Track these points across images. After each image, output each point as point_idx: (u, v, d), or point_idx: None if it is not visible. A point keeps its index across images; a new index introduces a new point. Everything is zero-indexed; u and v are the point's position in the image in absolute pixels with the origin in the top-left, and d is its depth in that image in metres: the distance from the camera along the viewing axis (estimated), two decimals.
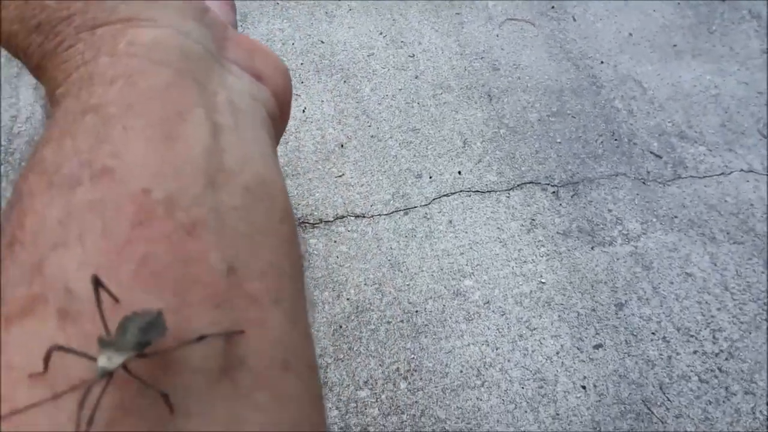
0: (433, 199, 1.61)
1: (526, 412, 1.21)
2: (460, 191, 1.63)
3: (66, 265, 0.19)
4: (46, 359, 0.17)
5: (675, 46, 2.11)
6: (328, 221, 1.54)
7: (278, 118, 0.27)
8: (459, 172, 1.68)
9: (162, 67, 0.23)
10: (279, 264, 0.22)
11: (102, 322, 0.18)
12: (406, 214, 1.57)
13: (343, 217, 1.55)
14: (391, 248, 1.49)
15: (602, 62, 2.04)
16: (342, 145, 1.74)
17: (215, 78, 0.25)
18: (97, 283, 0.18)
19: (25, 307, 0.18)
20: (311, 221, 1.53)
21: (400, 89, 1.91)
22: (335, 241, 1.49)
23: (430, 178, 1.66)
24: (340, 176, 1.65)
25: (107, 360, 0.17)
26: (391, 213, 1.57)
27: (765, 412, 1.22)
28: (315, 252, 1.47)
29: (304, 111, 1.82)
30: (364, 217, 1.56)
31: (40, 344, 0.17)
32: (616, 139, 1.79)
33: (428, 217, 1.56)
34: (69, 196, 0.20)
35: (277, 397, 0.19)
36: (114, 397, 0.17)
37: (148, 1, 0.25)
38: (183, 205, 0.20)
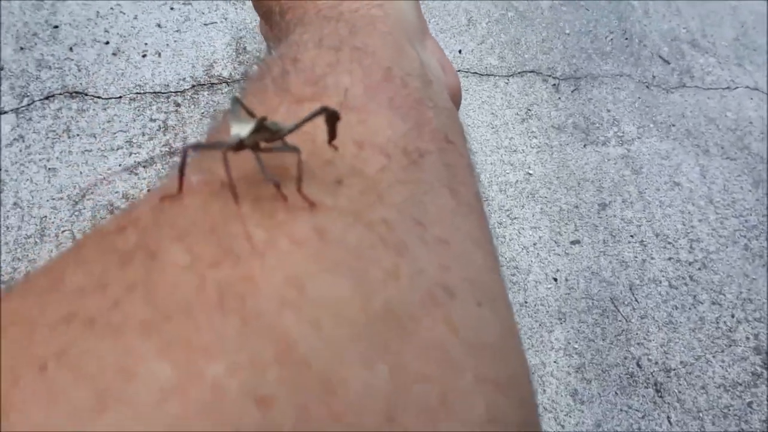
0: None
1: None
2: (459, 71, 1.55)
3: (340, 82, 0.26)
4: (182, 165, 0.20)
5: None
6: None
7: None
8: (459, 51, 1.60)
9: (384, 9, 0.31)
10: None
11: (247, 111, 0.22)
12: None
13: None
14: None
15: None
16: None
17: (418, 46, 0.32)
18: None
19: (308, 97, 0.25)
20: None
21: None
22: None
23: None
24: None
25: (239, 130, 0.20)
26: None
27: (728, 324, 1.24)
28: None
29: None
30: None
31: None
32: (626, 38, 1.71)
33: None
34: (334, 52, 0.27)
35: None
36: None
37: None
38: (411, 84, 0.28)
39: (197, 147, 0.20)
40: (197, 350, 0.14)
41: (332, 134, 0.22)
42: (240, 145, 0.20)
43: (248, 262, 0.17)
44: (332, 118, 0.21)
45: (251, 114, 0.22)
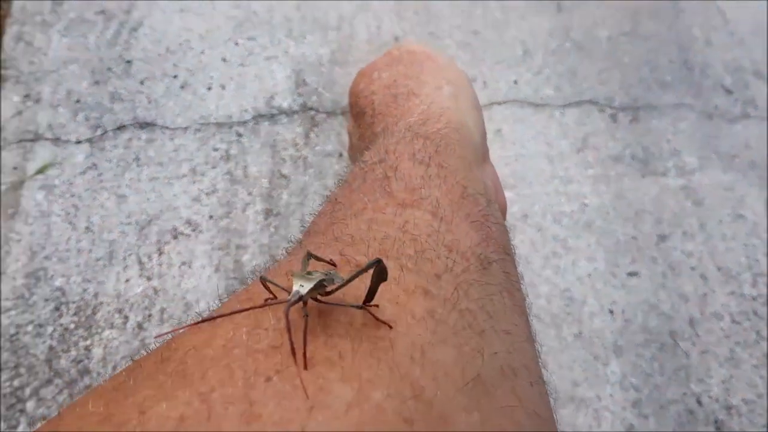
0: (484, 106, 1.55)
1: (548, 326, 1.20)
2: (514, 101, 1.56)
3: (432, 195, 0.32)
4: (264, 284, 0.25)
5: None
6: None
7: None
8: (515, 82, 1.61)
9: (460, 132, 0.36)
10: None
11: (303, 267, 0.25)
12: None
13: None
14: None
15: None
16: (397, 39, 1.67)
17: (480, 167, 0.37)
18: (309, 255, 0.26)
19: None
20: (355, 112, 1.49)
21: None
22: None
23: (485, 83, 1.60)
24: None
25: (300, 287, 0.22)
26: None
27: None
28: None
29: None
30: None
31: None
32: (687, 68, 1.68)
33: None
34: (425, 168, 0.32)
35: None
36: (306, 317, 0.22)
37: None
38: (480, 202, 0.33)
39: (268, 281, 0.25)
40: (365, 381, 0.20)
41: (371, 293, 0.24)
42: (300, 300, 0.23)
43: (385, 328, 0.23)
44: (380, 274, 0.24)
45: (324, 261, 0.27)
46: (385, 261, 0.24)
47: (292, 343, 0.20)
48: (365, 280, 0.25)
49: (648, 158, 1.48)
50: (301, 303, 0.23)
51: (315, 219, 0.37)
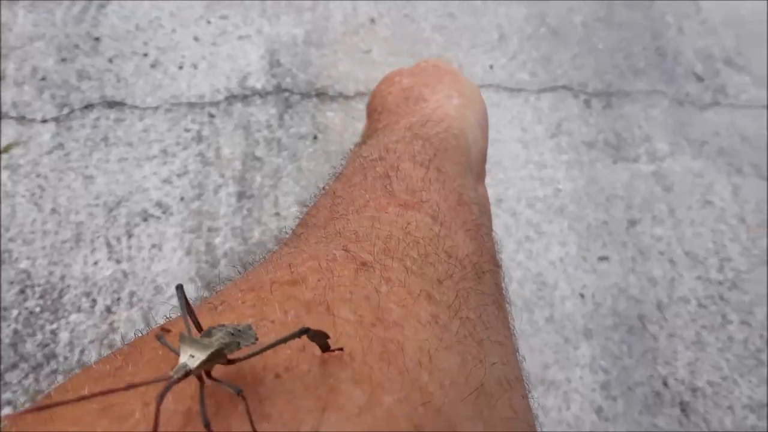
0: None
1: (521, 310, 1.21)
2: (489, 85, 1.56)
3: (432, 199, 0.34)
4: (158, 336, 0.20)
5: None
6: (348, 96, 1.48)
7: None
8: (491, 66, 1.60)
9: (457, 139, 0.38)
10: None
11: (193, 322, 0.20)
12: None
13: (364, 93, 1.50)
14: None
15: None
16: (373, 20, 1.65)
17: (473, 180, 0.39)
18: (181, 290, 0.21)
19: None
20: (330, 94, 1.48)
21: None
22: (353, 117, 1.44)
23: (460, 66, 1.59)
24: (367, 52, 1.58)
25: (188, 357, 0.18)
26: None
27: (757, 344, 1.21)
28: (331, 126, 1.43)
29: None
30: None
31: None
32: (660, 55, 1.70)
33: None
34: (425, 170, 0.34)
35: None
36: (189, 398, 0.18)
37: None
38: (475, 211, 0.36)
39: (163, 334, 0.20)
40: (376, 385, 0.20)
41: (324, 348, 0.21)
42: (186, 375, 0.18)
43: (395, 331, 0.22)
44: (319, 338, 0.20)
45: (197, 325, 0.21)
46: (313, 329, 0.20)
47: None
48: (293, 345, 0.21)
49: (620, 144, 1.49)
50: (193, 378, 0.18)
51: (311, 211, 0.36)
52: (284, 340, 0.20)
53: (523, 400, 0.27)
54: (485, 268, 0.32)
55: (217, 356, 0.18)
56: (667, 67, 1.68)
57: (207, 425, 0.17)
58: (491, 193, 1.36)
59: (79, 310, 1.12)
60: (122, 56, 1.44)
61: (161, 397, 0.16)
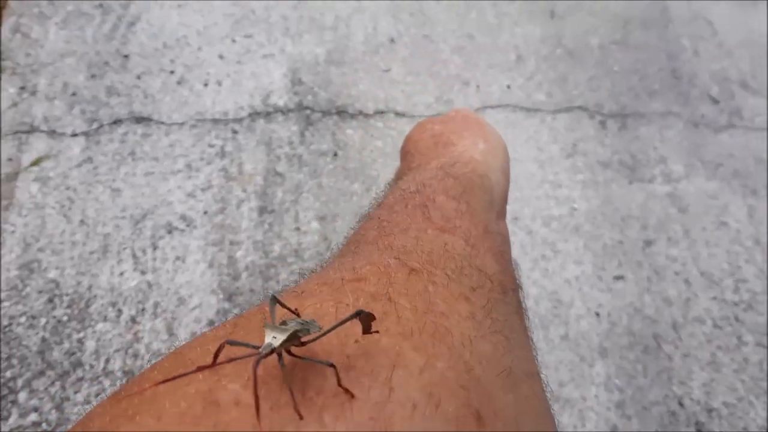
0: (477, 109, 1.57)
1: (536, 328, 1.23)
2: (506, 105, 1.59)
3: (463, 226, 0.39)
4: (217, 353, 0.23)
5: None
6: (368, 114, 1.52)
7: None
8: (508, 86, 1.63)
9: (482, 179, 0.44)
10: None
11: (271, 315, 0.26)
12: None
13: (383, 112, 1.53)
14: None
15: None
16: (393, 40, 1.69)
17: (495, 217, 0.44)
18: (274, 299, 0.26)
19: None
20: (351, 112, 1.51)
21: None
22: (372, 135, 1.48)
23: (478, 87, 1.62)
24: (386, 71, 1.61)
25: (272, 338, 0.23)
26: (433, 116, 1.54)
27: None
28: (350, 143, 1.46)
29: None
30: (404, 115, 1.53)
31: None
32: (675, 78, 1.72)
33: None
34: (456, 203, 0.41)
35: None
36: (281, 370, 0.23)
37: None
38: (497, 239, 0.41)
39: (235, 343, 0.24)
40: (431, 354, 0.25)
41: (366, 330, 0.25)
42: (272, 352, 0.23)
43: (442, 318, 0.28)
44: (367, 319, 0.25)
45: (290, 311, 0.27)
46: (366, 310, 0.25)
47: (257, 399, 0.20)
48: (348, 329, 0.25)
49: (635, 165, 1.51)
50: (276, 356, 0.23)
51: (360, 231, 0.42)
52: (343, 322, 0.24)
53: (542, 391, 0.31)
54: (509, 286, 0.37)
55: (293, 338, 0.23)
56: (683, 89, 1.70)
57: (292, 393, 0.22)
58: (507, 211, 1.39)
59: (105, 319, 1.15)
60: (150, 73, 1.48)
61: (255, 367, 0.21)
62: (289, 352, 0.24)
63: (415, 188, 0.42)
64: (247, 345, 0.24)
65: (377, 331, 0.25)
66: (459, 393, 0.24)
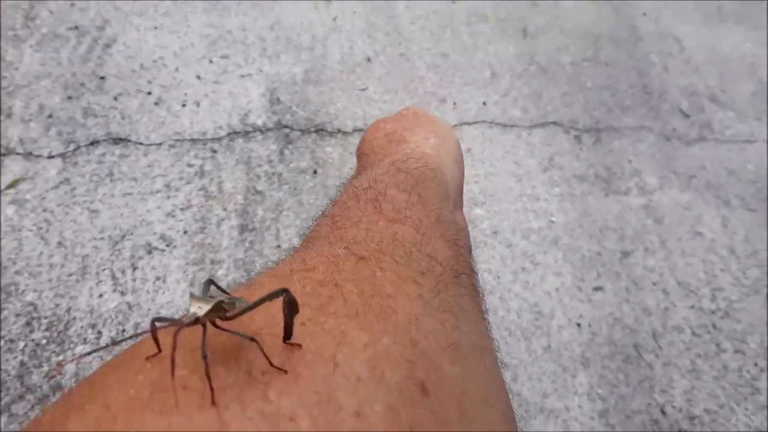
0: (454, 126, 1.59)
1: (519, 340, 1.23)
2: (483, 122, 1.61)
3: (414, 216, 0.40)
4: (154, 336, 0.24)
5: (720, 9, 2.05)
6: (346, 132, 1.53)
7: None
8: (484, 103, 1.66)
9: (435, 172, 0.46)
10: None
11: (203, 294, 0.26)
12: None
13: (361, 129, 1.54)
14: None
15: (644, 14, 1.98)
16: (369, 59, 1.70)
17: (451, 208, 0.46)
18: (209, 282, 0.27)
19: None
20: (329, 130, 1.52)
21: (434, 11, 1.87)
22: (351, 153, 1.48)
23: (454, 104, 1.64)
24: (363, 89, 1.63)
25: (197, 308, 0.23)
26: None
27: (752, 372, 1.24)
28: (330, 161, 1.47)
29: (334, 19, 1.78)
30: None
31: None
32: (646, 93, 1.76)
33: None
34: (407, 195, 0.42)
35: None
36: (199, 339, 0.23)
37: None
38: (450, 229, 0.42)
39: (162, 320, 0.24)
40: (376, 331, 0.26)
41: (288, 329, 0.25)
42: (196, 322, 0.23)
43: (388, 300, 0.29)
44: (291, 306, 0.25)
45: (224, 292, 0.27)
46: (292, 292, 0.25)
47: (173, 363, 0.21)
48: (297, 316, 0.26)
49: (611, 178, 1.54)
50: (201, 327, 0.23)
51: (313, 229, 0.43)
52: (269, 298, 0.25)
53: (494, 365, 0.33)
54: (461, 271, 0.38)
55: (218, 309, 0.24)
56: (654, 104, 1.74)
57: (205, 357, 0.21)
58: (487, 225, 1.40)
59: (84, 341, 1.13)
60: (127, 94, 1.47)
61: (176, 333, 0.22)
62: (214, 324, 0.24)
63: (368, 184, 0.44)
64: (173, 319, 0.24)
65: (299, 345, 0.25)
66: (403, 365, 0.25)
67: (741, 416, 1.19)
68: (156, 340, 0.24)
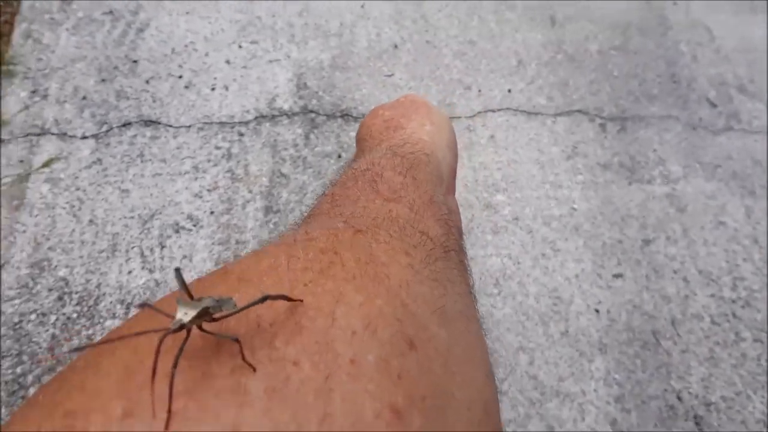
0: (479, 113, 1.60)
1: (536, 324, 1.25)
2: (507, 109, 1.62)
3: (408, 196, 0.43)
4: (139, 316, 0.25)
5: None
6: None
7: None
8: (509, 90, 1.66)
9: (429, 157, 0.49)
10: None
11: (185, 290, 0.26)
12: None
13: None
14: None
15: (675, 3, 1.96)
16: (396, 46, 1.72)
17: (443, 191, 0.48)
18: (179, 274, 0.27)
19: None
20: (354, 115, 1.54)
21: None
22: None
23: (479, 91, 1.65)
24: (389, 76, 1.64)
25: (183, 314, 0.23)
26: None
27: None
28: (354, 145, 1.48)
29: (362, 6, 1.80)
30: None
31: None
32: (674, 82, 1.75)
33: (471, 129, 1.56)
34: (402, 177, 0.44)
35: None
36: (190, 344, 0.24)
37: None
38: (443, 208, 0.44)
39: (148, 305, 0.25)
40: (370, 293, 0.29)
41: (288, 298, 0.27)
42: (181, 328, 0.23)
43: (382, 267, 0.31)
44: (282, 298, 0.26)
45: (188, 292, 0.26)
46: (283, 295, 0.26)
47: (154, 370, 0.21)
48: (296, 278, 0.28)
49: (635, 166, 1.53)
50: (184, 331, 0.23)
51: (315, 208, 0.46)
52: (253, 304, 0.26)
53: (478, 331, 0.36)
54: (451, 248, 0.41)
55: (205, 314, 0.24)
56: (681, 93, 1.72)
57: (175, 366, 0.22)
58: (508, 211, 1.41)
59: (114, 316, 1.17)
60: (158, 78, 1.51)
61: (160, 342, 0.22)
62: (200, 328, 0.24)
63: (366, 166, 0.47)
64: (163, 313, 0.24)
65: (301, 300, 0.27)
66: (394, 323, 0.28)
67: (758, 404, 1.19)
68: (138, 333, 0.24)
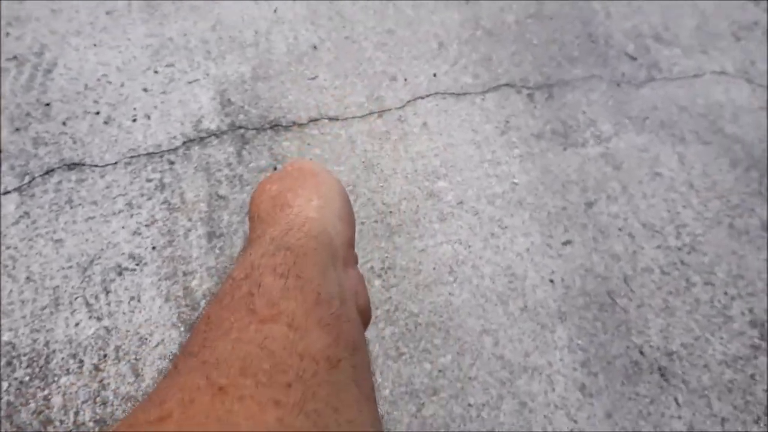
0: (408, 102, 1.60)
1: (496, 305, 1.26)
2: (435, 93, 1.62)
3: (289, 307, 0.40)
4: None
5: None
6: (302, 124, 1.53)
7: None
8: (434, 75, 1.66)
9: (318, 239, 0.46)
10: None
11: None
12: (380, 116, 1.56)
13: (316, 119, 1.54)
14: (365, 150, 1.49)
15: None
16: (315, 47, 1.70)
17: (341, 270, 0.46)
18: None
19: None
20: (284, 124, 1.52)
21: None
22: (309, 144, 1.49)
23: (405, 80, 1.64)
24: (313, 78, 1.62)
25: None
26: (365, 115, 1.56)
27: (722, 301, 1.28)
28: (288, 155, 1.47)
29: (275, 11, 1.77)
30: (338, 119, 1.54)
31: None
32: (592, 41, 1.77)
33: (402, 119, 1.56)
34: (284, 280, 0.41)
35: None
36: None
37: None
38: (334, 303, 0.41)
39: None
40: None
41: None
42: None
43: None
44: None
45: None
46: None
47: None
48: None
49: (567, 131, 1.56)
50: None
51: (190, 339, 0.42)
52: None
53: None
54: (341, 356, 0.39)
55: None
56: (601, 52, 1.75)
57: None
58: (451, 196, 1.42)
59: (68, 372, 1.13)
60: (75, 117, 1.46)
61: None
62: None
63: (244, 274, 0.44)
64: None
65: None
66: None
67: (717, 345, 1.22)
68: None
